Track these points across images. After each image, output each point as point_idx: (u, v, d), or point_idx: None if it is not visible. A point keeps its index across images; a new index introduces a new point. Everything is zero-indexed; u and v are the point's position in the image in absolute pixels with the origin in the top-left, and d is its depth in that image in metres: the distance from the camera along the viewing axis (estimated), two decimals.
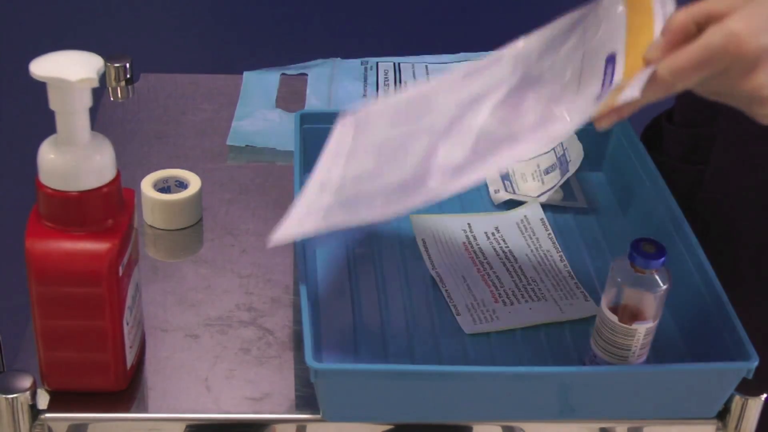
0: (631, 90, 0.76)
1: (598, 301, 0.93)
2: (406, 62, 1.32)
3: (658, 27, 0.79)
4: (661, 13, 0.80)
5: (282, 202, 1.07)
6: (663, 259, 0.81)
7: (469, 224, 1.02)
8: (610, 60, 0.81)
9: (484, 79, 0.91)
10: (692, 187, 1.06)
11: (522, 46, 0.90)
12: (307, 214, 0.87)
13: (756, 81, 0.75)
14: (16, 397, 0.81)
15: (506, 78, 0.90)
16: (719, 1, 0.75)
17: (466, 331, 0.90)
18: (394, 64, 1.32)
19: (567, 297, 0.93)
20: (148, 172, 1.05)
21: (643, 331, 0.82)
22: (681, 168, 1.07)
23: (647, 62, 0.77)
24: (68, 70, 0.75)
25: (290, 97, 1.26)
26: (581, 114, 0.79)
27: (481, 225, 1.02)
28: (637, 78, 0.76)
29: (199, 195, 1.04)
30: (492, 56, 0.92)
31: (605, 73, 0.81)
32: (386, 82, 1.28)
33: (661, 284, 0.81)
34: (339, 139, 0.95)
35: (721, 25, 0.74)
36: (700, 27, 0.75)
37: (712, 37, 0.74)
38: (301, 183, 0.97)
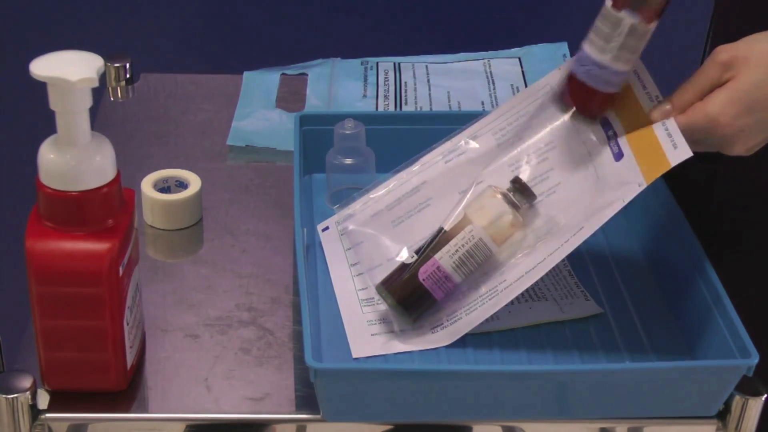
0: (684, 150, 0.85)
1: (598, 301, 0.93)
2: (406, 62, 1.32)
3: (637, 92, 0.91)
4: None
5: (282, 202, 1.07)
6: None
7: None
8: (604, 122, 0.92)
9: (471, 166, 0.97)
10: (706, 184, 1.06)
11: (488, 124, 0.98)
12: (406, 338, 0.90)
13: (733, 152, 0.86)
14: (16, 397, 0.81)
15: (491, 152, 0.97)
16: (720, 70, 0.84)
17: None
18: (394, 64, 1.32)
19: (567, 296, 0.93)
20: (148, 172, 1.05)
21: (628, 23, 0.84)
22: (695, 165, 1.07)
23: (654, 120, 0.88)
24: (68, 70, 0.75)
25: (290, 97, 1.26)
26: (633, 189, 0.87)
27: None
28: (678, 136, 0.85)
29: (199, 195, 1.04)
30: (462, 136, 0.99)
31: (607, 133, 0.92)
32: (386, 82, 1.28)
33: None
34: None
35: (705, 109, 0.84)
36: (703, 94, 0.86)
37: (695, 117, 0.85)
38: (301, 184, 0.97)
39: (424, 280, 0.88)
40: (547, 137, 0.95)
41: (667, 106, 0.87)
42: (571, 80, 0.90)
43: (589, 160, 0.92)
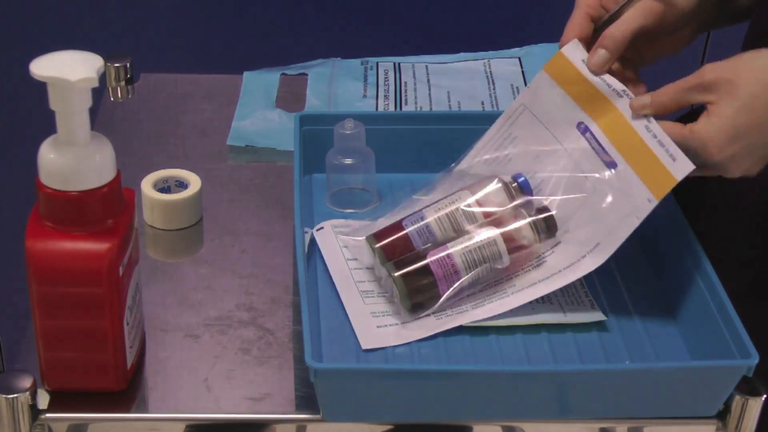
0: (684, 163, 0.86)
1: (598, 301, 0.93)
2: (406, 62, 1.32)
3: (603, 90, 0.92)
4: (592, 77, 0.93)
5: (282, 202, 1.07)
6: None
7: None
8: (580, 126, 0.94)
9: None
10: (700, 179, 1.06)
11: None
12: (403, 329, 0.90)
13: (732, 175, 0.87)
14: (16, 397, 0.81)
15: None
16: (702, 90, 0.85)
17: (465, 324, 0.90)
18: (394, 64, 1.32)
19: (573, 303, 0.93)
20: (148, 172, 1.05)
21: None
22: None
23: (632, 109, 0.89)
24: (68, 70, 0.75)
25: (290, 97, 1.26)
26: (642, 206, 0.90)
27: None
28: (672, 146, 0.87)
29: (199, 195, 1.04)
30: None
31: (585, 137, 0.93)
32: (386, 82, 1.28)
33: None
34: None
35: (695, 134, 0.84)
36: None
37: (687, 139, 0.85)
38: (301, 184, 0.97)
39: (432, 262, 0.89)
40: (533, 152, 0.96)
41: (646, 99, 0.88)
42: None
43: (576, 166, 0.94)
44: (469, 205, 0.93)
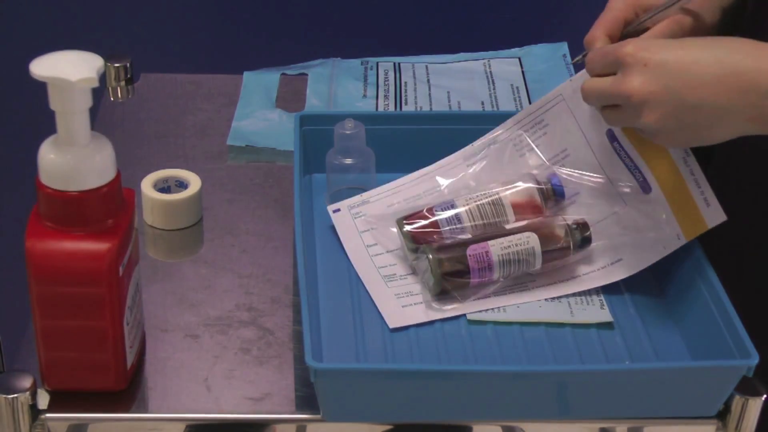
0: (717, 212, 0.90)
1: (612, 311, 0.93)
2: (406, 62, 1.32)
3: None
4: None
5: (282, 202, 1.07)
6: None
7: None
8: (609, 133, 0.95)
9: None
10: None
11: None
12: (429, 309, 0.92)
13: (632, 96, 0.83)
14: (16, 397, 0.81)
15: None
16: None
17: (469, 317, 0.90)
18: (394, 64, 1.32)
19: (583, 302, 0.93)
20: (148, 172, 1.05)
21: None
22: None
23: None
24: (68, 70, 0.75)
25: (290, 97, 1.26)
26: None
27: None
28: (711, 198, 0.90)
29: (199, 195, 1.04)
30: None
31: (614, 146, 0.95)
32: (386, 82, 1.28)
33: None
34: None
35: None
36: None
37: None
38: (301, 184, 0.97)
39: (470, 255, 0.91)
40: (561, 145, 0.98)
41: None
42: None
43: (602, 171, 0.96)
44: (501, 200, 0.95)
